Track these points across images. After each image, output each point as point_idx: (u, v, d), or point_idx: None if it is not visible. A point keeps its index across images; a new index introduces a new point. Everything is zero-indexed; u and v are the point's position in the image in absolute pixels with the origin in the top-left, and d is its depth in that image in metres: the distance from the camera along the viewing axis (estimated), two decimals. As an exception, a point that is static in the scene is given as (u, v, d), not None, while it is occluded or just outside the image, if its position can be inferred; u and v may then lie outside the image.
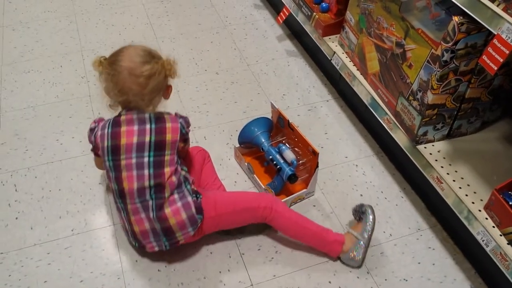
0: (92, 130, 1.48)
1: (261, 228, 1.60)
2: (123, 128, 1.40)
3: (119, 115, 1.44)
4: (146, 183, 1.38)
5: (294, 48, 2.37)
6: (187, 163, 1.60)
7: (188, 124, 1.50)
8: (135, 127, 1.40)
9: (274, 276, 1.48)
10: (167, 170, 1.40)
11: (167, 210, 1.39)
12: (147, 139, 1.39)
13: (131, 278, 1.47)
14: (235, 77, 2.19)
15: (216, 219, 1.47)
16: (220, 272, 1.49)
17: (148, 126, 1.40)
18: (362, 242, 1.47)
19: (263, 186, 1.68)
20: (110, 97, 1.43)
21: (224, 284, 1.46)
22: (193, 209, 1.41)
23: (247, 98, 2.09)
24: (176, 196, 1.41)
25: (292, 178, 1.62)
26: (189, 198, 1.42)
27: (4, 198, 1.68)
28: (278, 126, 1.79)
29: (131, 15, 2.56)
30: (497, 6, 1.17)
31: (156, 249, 1.45)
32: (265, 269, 1.49)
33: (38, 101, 2.06)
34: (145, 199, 1.39)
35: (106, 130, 1.42)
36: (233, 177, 1.76)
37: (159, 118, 1.42)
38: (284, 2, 2.25)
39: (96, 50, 2.33)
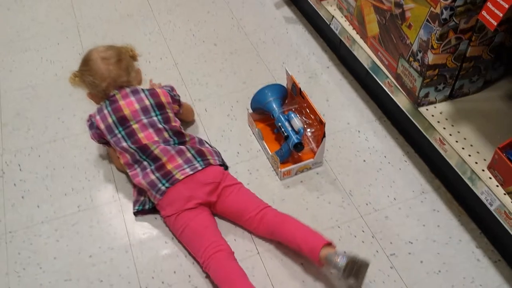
0: (91, 126, 1.58)
1: (266, 197, 1.60)
2: (121, 102, 1.54)
3: (112, 95, 1.55)
4: (166, 134, 1.54)
5: (292, 15, 2.33)
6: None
7: (172, 88, 1.67)
8: (132, 98, 1.55)
9: (280, 243, 1.49)
10: (176, 124, 1.58)
11: (193, 145, 1.57)
12: (147, 102, 1.55)
13: (139, 251, 1.49)
14: (233, 47, 2.17)
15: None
16: (227, 241, 1.50)
17: (142, 94, 1.56)
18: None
19: (270, 153, 1.68)
20: (97, 92, 1.56)
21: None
22: (214, 150, 1.61)
23: (247, 68, 2.06)
24: (196, 139, 1.61)
25: (298, 146, 1.61)
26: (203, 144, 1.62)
27: (9, 177, 1.69)
28: (292, 94, 1.78)
29: (126, -11, 2.52)
30: (497, -41, 1.13)
31: (190, 172, 1.48)
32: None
33: (38, 80, 2.05)
34: (169, 143, 1.53)
35: (105, 111, 1.54)
36: (235, 148, 1.76)
37: (149, 88, 1.60)
38: (281, -32, 2.20)
39: (93, 26, 2.30)
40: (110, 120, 1.53)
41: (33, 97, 1.98)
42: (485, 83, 1.59)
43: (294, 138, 1.60)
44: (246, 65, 2.08)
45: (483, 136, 1.46)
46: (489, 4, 1.14)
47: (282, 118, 1.65)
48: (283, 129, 1.64)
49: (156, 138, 1.52)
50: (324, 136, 1.58)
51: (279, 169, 1.63)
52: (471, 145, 1.44)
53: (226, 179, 1.53)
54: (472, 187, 1.37)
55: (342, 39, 1.86)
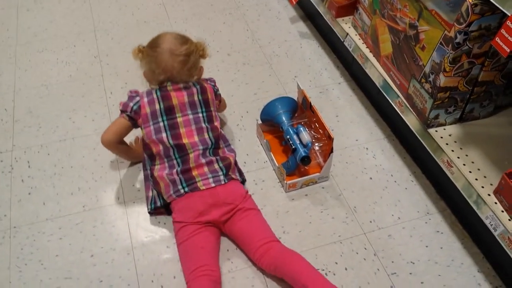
0: (131, 98, 1.56)
1: (270, 208, 1.61)
2: (172, 93, 1.54)
3: (165, 85, 1.55)
4: (206, 135, 1.54)
5: (307, 30, 2.35)
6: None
7: (215, 82, 1.69)
8: (183, 91, 1.55)
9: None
10: (217, 124, 1.59)
11: (226, 154, 1.58)
12: (196, 98, 1.56)
13: (140, 254, 1.50)
14: (246, 58, 2.19)
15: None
16: (228, 250, 1.50)
17: (194, 89, 1.57)
18: None
19: (277, 165, 1.69)
20: (153, 78, 1.56)
21: (232, 262, 1.47)
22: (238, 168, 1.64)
23: (259, 80, 2.08)
24: (226, 149, 1.61)
25: (305, 160, 1.62)
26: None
27: (18, 174, 1.71)
28: (302, 107, 1.79)
29: (144, -5, 2.56)
30: (513, -14, 1.14)
31: (212, 184, 1.48)
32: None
33: (52, 80, 2.08)
34: (207, 147, 1.53)
35: (154, 95, 1.54)
36: (243, 158, 1.77)
37: (199, 82, 1.60)
38: (298, -17, 2.23)
39: (109, 30, 2.34)
40: (157, 106, 1.52)
41: (46, 96, 2.01)
42: (496, 108, 1.59)
43: (301, 151, 1.60)
44: (258, 77, 2.10)
45: (490, 161, 1.46)
46: (502, 31, 1.15)
47: (291, 131, 1.66)
48: (291, 142, 1.65)
49: (196, 138, 1.52)
50: (331, 151, 1.59)
51: (285, 181, 1.64)
52: (479, 169, 1.43)
53: (245, 203, 1.50)
54: (477, 211, 1.36)
55: (355, 56, 1.88)
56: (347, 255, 1.50)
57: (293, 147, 1.63)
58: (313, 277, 1.33)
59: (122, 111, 1.56)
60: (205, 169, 1.50)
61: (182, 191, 1.48)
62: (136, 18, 2.41)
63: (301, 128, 1.65)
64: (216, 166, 1.51)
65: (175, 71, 1.53)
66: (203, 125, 1.55)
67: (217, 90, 1.68)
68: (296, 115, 1.80)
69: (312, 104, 1.69)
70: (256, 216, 1.50)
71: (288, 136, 1.66)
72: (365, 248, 1.51)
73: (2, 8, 2.48)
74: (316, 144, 1.69)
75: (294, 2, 2.29)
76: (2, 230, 1.55)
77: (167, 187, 1.50)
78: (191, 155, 1.50)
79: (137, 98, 1.54)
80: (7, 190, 1.66)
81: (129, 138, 1.67)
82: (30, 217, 1.59)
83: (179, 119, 1.53)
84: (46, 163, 1.75)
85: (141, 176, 1.71)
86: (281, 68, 2.14)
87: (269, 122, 1.80)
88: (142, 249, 1.51)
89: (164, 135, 1.51)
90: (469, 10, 1.28)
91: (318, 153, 1.70)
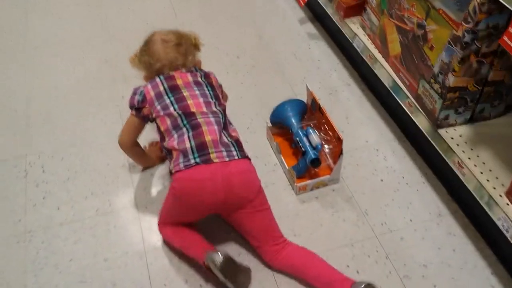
0: (135, 90, 1.54)
1: (281, 211, 1.61)
2: (176, 74, 1.52)
3: (166, 72, 1.53)
4: (213, 107, 1.48)
5: (315, 31, 2.35)
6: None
7: (214, 75, 1.63)
8: (187, 73, 1.53)
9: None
10: (224, 103, 1.56)
11: (234, 133, 1.50)
12: (199, 79, 1.53)
13: (153, 258, 1.51)
14: (255, 61, 2.19)
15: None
16: (239, 254, 1.51)
17: (196, 73, 1.55)
18: None
19: (287, 167, 1.69)
20: (150, 71, 1.56)
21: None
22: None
23: (268, 82, 2.09)
24: (231, 128, 1.52)
25: (315, 162, 1.62)
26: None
27: (32, 178, 1.74)
28: (311, 109, 1.79)
29: (153, 0, 2.58)
30: (521, -14, 1.13)
31: (226, 158, 1.37)
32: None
33: (63, 85, 2.11)
34: (218, 116, 1.47)
35: (157, 80, 1.52)
36: (252, 160, 1.76)
37: (201, 69, 1.59)
38: (306, -15, 2.23)
39: (119, 36, 2.36)
40: (161, 88, 1.48)
41: (58, 102, 2.03)
42: (507, 108, 1.58)
43: (311, 154, 1.61)
44: (267, 79, 2.10)
45: (502, 162, 1.44)
46: (510, 30, 1.14)
47: (301, 133, 1.67)
48: (300, 144, 1.65)
49: (204, 109, 1.45)
50: (341, 153, 1.59)
51: (295, 184, 1.64)
52: (490, 170, 1.42)
53: (258, 198, 1.42)
54: (489, 213, 1.35)
55: (364, 57, 1.87)
56: (359, 258, 1.50)
57: (303, 149, 1.63)
58: (336, 274, 1.38)
59: (130, 108, 1.56)
60: (217, 136, 1.40)
61: (192, 161, 1.36)
62: (146, 23, 2.43)
63: (311, 130, 1.65)
64: (226, 140, 1.42)
65: (170, 56, 1.52)
66: (211, 100, 1.49)
67: (219, 82, 1.64)
68: (305, 117, 1.80)
69: (321, 105, 1.69)
70: (268, 216, 1.45)
71: (297, 139, 1.67)
72: (377, 251, 1.51)
73: (12, 14, 2.52)
74: (326, 146, 1.69)
75: (303, 4, 2.29)
76: (17, 235, 1.58)
77: (178, 157, 1.39)
78: (201, 120, 1.42)
79: (141, 88, 1.52)
80: (22, 195, 1.69)
81: (142, 142, 1.69)
82: (44, 221, 1.61)
83: (185, 93, 1.48)
84: (59, 168, 1.77)
85: (153, 180, 1.72)
86: (290, 70, 2.14)
87: (278, 125, 1.80)
88: (155, 253, 1.53)
89: (171, 108, 1.45)
90: (477, 9, 1.27)
91: (328, 155, 1.70)
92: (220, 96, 1.56)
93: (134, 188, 1.70)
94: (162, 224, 1.52)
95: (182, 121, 1.43)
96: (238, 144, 1.45)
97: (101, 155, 1.81)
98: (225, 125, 1.48)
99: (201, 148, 1.38)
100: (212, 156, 1.37)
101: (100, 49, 2.29)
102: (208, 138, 1.39)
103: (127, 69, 2.15)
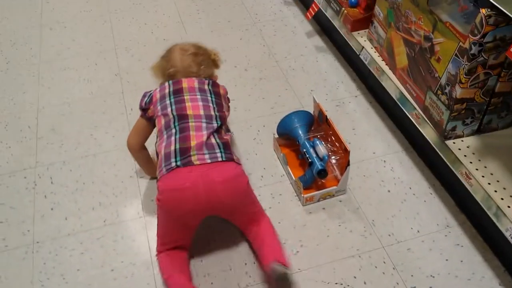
0: (145, 94, 1.59)
1: (287, 222, 1.61)
2: (184, 79, 1.55)
3: (176, 77, 1.57)
4: (212, 112, 1.49)
5: (323, 44, 2.37)
6: None
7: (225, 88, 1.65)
8: (195, 79, 1.56)
9: (299, 269, 1.49)
10: (226, 113, 1.58)
11: (226, 137, 1.48)
12: (206, 87, 1.55)
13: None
14: (263, 73, 2.21)
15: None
16: (245, 264, 1.51)
17: (205, 80, 1.57)
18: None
19: (294, 178, 1.69)
20: (163, 74, 1.60)
21: (250, 276, 1.48)
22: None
23: (275, 94, 2.10)
24: (231, 136, 1.55)
25: (322, 173, 1.62)
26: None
27: (41, 190, 1.76)
28: (318, 121, 1.80)
29: (163, 14, 2.62)
30: (527, -3, 1.14)
31: (208, 161, 1.37)
32: (290, 262, 1.50)
33: (74, 97, 2.14)
34: (211, 122, 1.46)
35: (166, 84, 1.56)
36: (260, 172, 1.78)
37: (211, 78, 1.62)
38: (313, -2, 2.25)
39: (129, 48, 2.39)
40: (167, 90, 1.53)
41: (68, 113, 2.06)
42: (515, 119, 1.58)
43: (318, 165, 1.61)
44: (274, 91, 2.11)
45: (510, 172, 1.44)
46: (517, 41, 1.15)
47: (307, 145, 1.67)
48: (307, 155, 1.65)
49: (201, 112, 1.47)
50: (348, 164, 1.59)
51: (302, 195, 1.64)
52: (498, 181, 1.42)
53: (249, 206, 1.47)
54: (497, 223, 1.34)
55: (371, 69, 1.88)
56: (366, 269, 1.49)
57: (310, 160, 1.64)
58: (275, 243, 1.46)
59: (139, 109, 1.59)
60: (204, 138, 1.40)
61: (173, 164, 1.36)
62: (156, 36, 2.47)
63: (318, 142, 1.66)
64: (213, 141, 1.42)
65: (185, 63, 1.57)
66: (211, 104, 1.51)
67: (229, 99, 1.68)
68: (312, 128, 1.81)
69: (328, 117, 1.70)
70: (268, 232, 1.49)
71: (304, 150, 1.67)
72: (384, 262, 1.50)
73: (26, 27, 2.57)
74: (333, 157, 1.69)
75: (310, 17, 2.32)
76: (25, 245, 1.59)
77: (161, 162, 1.40)
78: (192, 124, 1.43)
79: (151, 91, 1.58)
80: (31, 206, 1.71)
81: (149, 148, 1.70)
82: (52, 232, 1.63)
83: (186, 97, 1.50)
84: (68, 179, 1.79)
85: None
86: (297, 82, 2.16)
87: (285, 136, 1.81)
88: (161, 263, 1.53)
89: (169, 109, 1.48)
90: (483, 21, 1.27)
91: (335, 166, 1.70)
92: (224, 105, 1.58)
93: (142, 198, 1.71)
94: (158, 251, 1.49)
95: (174, 122, 1.45)
96: (225, 145, 1.43)
97: (109, 167, 1.83)
98: (218, 129, 1.47)
99: (184, 152, 1.38)
100: (193, 158, 1.37)
101: (111, 62, 2.32)
102: (193, 143, 1.39)
103: (138, 81, 2.20)
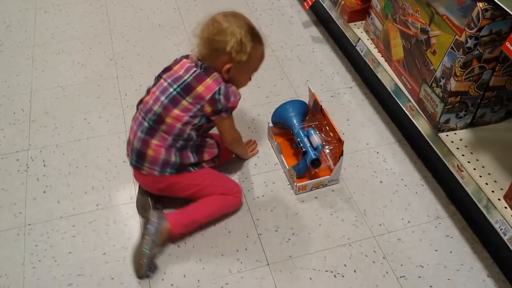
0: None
1: (280, 210, 1.62)
2: (184, 59, 1.52)
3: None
4: (155, 107, 1.47)
5: (319, 35, 2.37)
6: None
7: (227, 100, 1.45)
8: (189, 64, 1.49)
9: (290, 256, 1.50)
10: (177, 112, 1.43)
11: (153, 141, 1.46)
12: (186, 77, 1.45)
13: (151, 253, 1.52)
14: (259, 62, 2.20)
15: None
16: (237, 250, 1.52)
17: (194, 69, 1.46)
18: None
19: (287, 167, 1.70)
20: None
21: (241, 262, 1.49)
22: (172, 160, 1.48)
23: (270, 83, 2.10)
24: (169, 138, 1.45)
25: (315, 162, 1.63)
26: (173, 151, 1.47)
27: (33, 172, 1.75)
28: (313, 111, 1.80)
29: (159, 0, 2.60)
30: (524, -9, 1.15)
31: (128, 159, 1.57)
32: (282, 249, 1.52)
33: (68, 81, 2.12)
34: (145, 118, 1.48)
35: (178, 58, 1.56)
36: (253, 160, 1.79)
37: (208, 71, 1.45)
38: (311, -12, 2.25)
39: (125, 33, 2.38)
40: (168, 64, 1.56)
41: (62, 97, 2.05)
42: (507, 114, 1.59)
43: (312, 154, 1.62)
44: (270, 80, 2.11)
45: (501, 166, 1.46)
46: (513, 35, 1.16)
47: (302, 134, 1.68)
48: (301, 145, 1.66)
49: (150, 103, 1.48)
50: (342, 154, 1.60)
51: (295, 184, 1.65)
52: (489, 174, 1.43)
53: (172, 185, 1.54)
54: (487, 216, 1.36)
55: (367, 61, 1.89)
56: (356, 257, 1.50)
57: (304, 149, 1.65)
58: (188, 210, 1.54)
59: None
60: (131, 138, 1.52)
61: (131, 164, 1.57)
62: (151, 22, 2.45)
63: (312, 131, 1.67)
64: (136, 145, 1.50)
65: (200, 43, 1.47)
66: (162, 98, 1.45)
67: (223, 106, 1.45)
68: (307, 118, 1.81)
69: (323, 107, 1.70)
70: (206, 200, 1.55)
71: (298, 139, 1.68)
72: (374, 251, 1.52)
73: (20, 9, 2.54)
74: (327, 147, 1.70)
75: (307, 7, 2.31)
76: (17, 227, 1.58)
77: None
78: (136, 114, 1.53)
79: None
80: (23, 188, 1.70)
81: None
82: (44, 215, 1.62)
83: (161, 80, 1.50)
84: (61, 163, 1.78)
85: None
86: (293, 72, 2.16)
87: (280, 125, 1.81)
88: (153, 248, 1.53)
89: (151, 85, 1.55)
90: (480, 15, 1.28)
91: (328, 156, 1.71)
92: (187, 104, 1.42)
93: (135, 183, 1.71)
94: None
95: (138, 106, 1.55)
96: (138, 155, 1.50)
97: (102, 151, 1.82)
98: (151, 130, 1.47)
99: (127, 144, 1.56)
100: (127, 153, 1.57)
101: (106, 46, 2.31)
102: (129, 135, 1.54)
103: (132, 67, 2.19)
